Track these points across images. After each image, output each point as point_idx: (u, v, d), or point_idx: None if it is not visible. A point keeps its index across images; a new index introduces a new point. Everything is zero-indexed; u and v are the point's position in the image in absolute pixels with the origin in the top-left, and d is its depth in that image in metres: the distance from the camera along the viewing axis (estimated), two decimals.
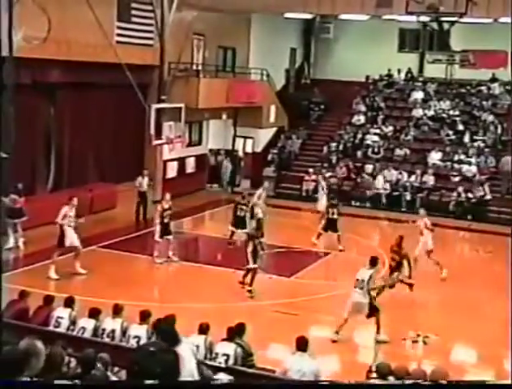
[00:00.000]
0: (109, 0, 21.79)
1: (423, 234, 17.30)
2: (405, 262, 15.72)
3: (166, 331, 6.32)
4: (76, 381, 6.06)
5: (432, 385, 7.08)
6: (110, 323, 10.31)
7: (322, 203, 22.34)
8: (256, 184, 27.60)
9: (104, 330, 10.26)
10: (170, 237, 17.88)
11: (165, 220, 17.77)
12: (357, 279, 13.14)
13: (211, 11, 25.41)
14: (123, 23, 22.62)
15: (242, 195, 20.18)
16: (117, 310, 10.46)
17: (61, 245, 16.12)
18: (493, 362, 12.35)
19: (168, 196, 18.22)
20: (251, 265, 15.71)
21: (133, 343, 9.76)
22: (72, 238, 16.14)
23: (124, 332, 10.15)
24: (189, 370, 6.74)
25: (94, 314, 10.54)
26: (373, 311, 13.07)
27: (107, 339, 10.07)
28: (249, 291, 15.64)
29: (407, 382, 7.39)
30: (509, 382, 10.16)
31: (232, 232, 19.52)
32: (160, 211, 17.81)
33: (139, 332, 9.99)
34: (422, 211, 18.34)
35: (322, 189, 23.79)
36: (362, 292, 13.00)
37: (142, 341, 9.75)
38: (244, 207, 19.43)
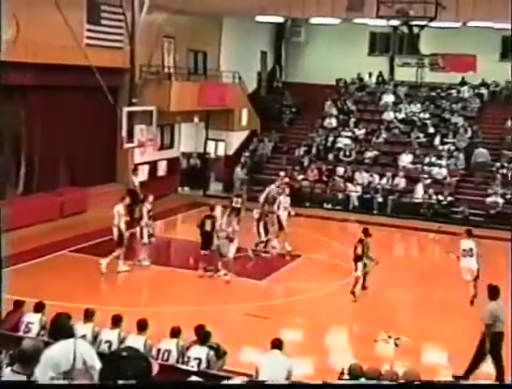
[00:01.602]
0: (79, 2, 21.60)
1: None
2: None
3: (60, 326, 6.35)
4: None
5: (432, 384, 7.12)
6: (81, 328, 10.20)
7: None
8: (228, 187, 27.63)
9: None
10: (152, 239, 17.92)
11: (150, 222, 17.80)
12: (464, 249, 15.37)
13: (181, 14, 25.34)
14: (93, 26, 22.38)
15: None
16: (87, 315, 10.36)
17: (120, 243, 16.74)
18: (464, 362, 12.44)
19: (151, 198, 18.04)
20: (263, 238, 19.15)
21: (104, 348, 9.68)
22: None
23: (95, 337, 10.06)
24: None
25: None
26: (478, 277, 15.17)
27: None
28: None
29: (400, 382, 7.41)
30: (509, 382, 10.29)
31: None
32: (147, 212, 17.77)
33: (111, 337, 9.91)
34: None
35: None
36: (472, 259, 15.24)
37: (114, 346, 9.68)
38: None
